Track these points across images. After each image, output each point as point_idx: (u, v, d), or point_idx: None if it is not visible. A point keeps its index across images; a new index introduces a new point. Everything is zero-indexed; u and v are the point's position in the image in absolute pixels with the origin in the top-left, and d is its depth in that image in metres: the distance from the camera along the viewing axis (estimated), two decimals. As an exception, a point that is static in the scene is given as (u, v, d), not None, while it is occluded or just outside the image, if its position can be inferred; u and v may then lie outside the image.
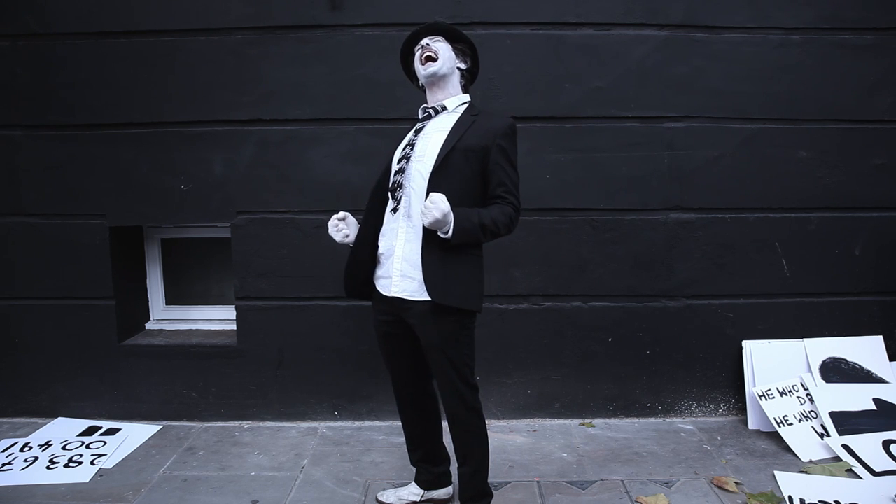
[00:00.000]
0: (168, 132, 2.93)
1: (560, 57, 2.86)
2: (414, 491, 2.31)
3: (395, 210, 1.99)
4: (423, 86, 2.11)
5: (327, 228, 2.12)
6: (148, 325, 3.30)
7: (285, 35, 2.85)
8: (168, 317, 3.33)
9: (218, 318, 3.26)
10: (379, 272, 2.07)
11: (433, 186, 1.89)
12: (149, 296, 3.31)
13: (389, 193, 2.02)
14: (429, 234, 1.91)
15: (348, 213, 2.14)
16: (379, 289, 2.07)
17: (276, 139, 2.91)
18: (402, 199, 1.98)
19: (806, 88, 2.89)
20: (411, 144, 2.02)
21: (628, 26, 2.85)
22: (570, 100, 2.88)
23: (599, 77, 2.87)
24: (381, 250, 2.06)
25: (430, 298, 1.91)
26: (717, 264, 2.97)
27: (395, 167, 2.02)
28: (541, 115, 2.88)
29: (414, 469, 2.34)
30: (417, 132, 2.03)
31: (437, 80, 2.03)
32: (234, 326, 3.09)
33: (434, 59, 1.99)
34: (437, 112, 2.04)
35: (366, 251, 2.08)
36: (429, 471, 2.29)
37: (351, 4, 2.82)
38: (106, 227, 2.98)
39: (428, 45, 2.01)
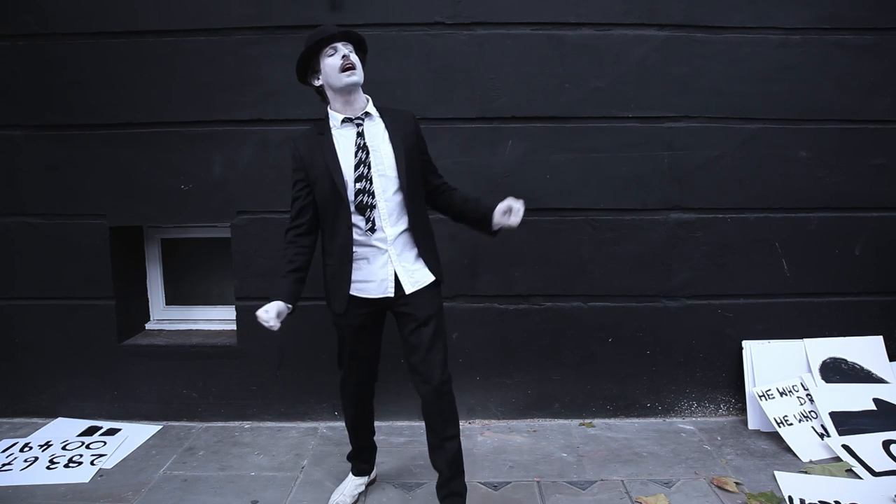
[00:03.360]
0: (168, 132, 2.93)
1: (560, 57, 2.86)
2: (358, 483, 2.41)
3: (371, 230, 2.04)
4: (320, 87, 2.12)
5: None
6: (148, 326, 3.30)
7: (285, 35, 2.85)
8: (168, 317, 3.33)
9: (218, 318, 3.26)
10: (358, 276, 2.09)
11: (408, 193, 2.07)
12: (149, 296, 3.31)
13: (358, 210, 2.04)
14: (414, 225, 2.10)
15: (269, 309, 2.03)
16: (363, 294, 2.10)
17: (276, 139, 2.91)
18: (375, 219, 2.04)
19: (806, 88, 2.89)
20: (363, 150, 2.04)
21: (628, 26, 2.84)
22: (570, 100, 2.88)
23: (599, 77, 2.87)
24: (359, 256, 2.08)
25: (429, 283, 2.13)
26: (717, 264, 2.97)
27: (352, 175, 2.03)
28: (541, 115, 2.88)
29: (362, 467, 2.44)
30: (360, 136, 2.05)
31: (355, 88, 2.06)
32: (234, 326, 3.09)
33: (354, 69, 2.02)
34: (362, 121, 2.08)
35: (349, 266, 2.09)
36: (367, 459, 2.44)
37: (351, 4, 2.82)
38: (106, 227, 2.98)
39: (348, 56, 2.02)
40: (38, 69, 2.90)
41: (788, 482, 2.40)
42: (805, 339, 2.96)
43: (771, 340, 2.97)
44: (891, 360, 2.93)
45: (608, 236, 2.94)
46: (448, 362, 2.12)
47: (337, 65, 2.00)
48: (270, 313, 1.97)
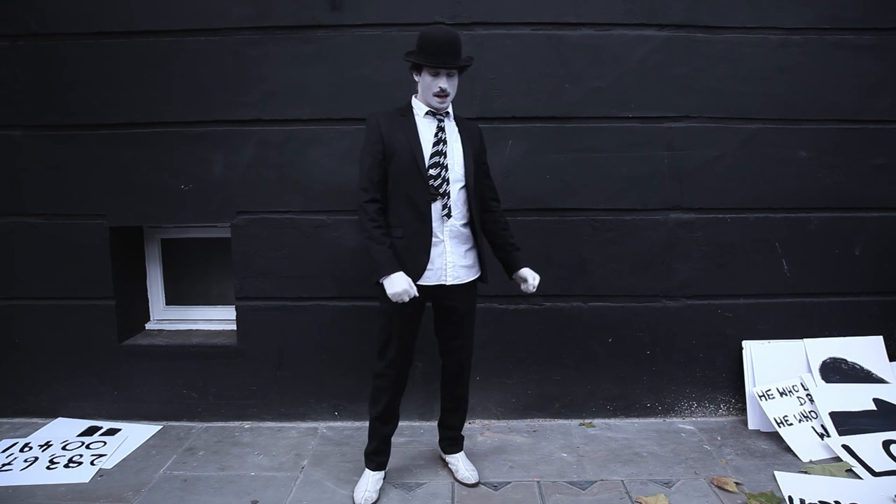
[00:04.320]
0: (168, 132, 2.93)
1: (560, 57, 2.86)
2: (377, 477, 2.40)
3: (448, 216, 2.23)
4: (417, 81, 2.29)
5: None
6: (148, 326, 3.30)
7: (285, 35, 2.85)
8: (168, 317, 3.32)
9: (218, 318, 3.26)
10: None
11: (471, 191, 2.28)
12: (149, 296, 3.31)
13: (436, 199, 2.22)
14: (472, 222, 2.30)
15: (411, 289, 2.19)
16: (420, 281, 2.23)
17: (276, 139, 2.91)
18: (451, 206, 2.23)
19: (806, 88, 2.89)
20: (442, 142, 2.24)
21: (628, 26, 2.85)
22: (570, 100, 2.88)
23: (599, 77, 2.87)
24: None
25: (471, 279, 2.33)
26: (717, 264, 2.97)
27: (428, 161, 2.21)
28: (541, 115, 2.88)
29: (380, 460, 2.43)
30: (441, 130, 2.25)
31: None
32: (234, 326, 3.09)
33: (446, 97, 2.23)
34: (443, 119, 2.29)
35: (428, 240, 2.24)
36: (386, 451, 2.44)
37: (351, 4, 2.82)
38: (106, 227, 2.98)
39: (445, 88, 2.20)
40: (38, 69, 2.90)
41: (788, 482, 2.40)
42: (805, 339, 2.96)
43: (771, 340, 2.97)
44: (891, 360, 2.93)
45: (608, 236, 2.94)
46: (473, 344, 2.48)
47: (434, 89, 2.20)
48: (409, 288, 2.16)
